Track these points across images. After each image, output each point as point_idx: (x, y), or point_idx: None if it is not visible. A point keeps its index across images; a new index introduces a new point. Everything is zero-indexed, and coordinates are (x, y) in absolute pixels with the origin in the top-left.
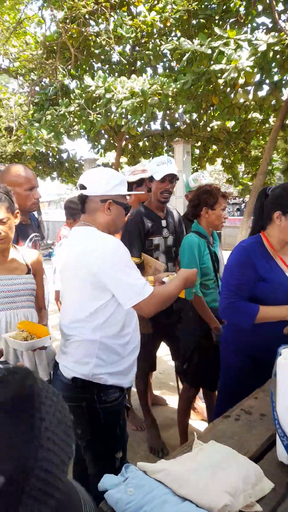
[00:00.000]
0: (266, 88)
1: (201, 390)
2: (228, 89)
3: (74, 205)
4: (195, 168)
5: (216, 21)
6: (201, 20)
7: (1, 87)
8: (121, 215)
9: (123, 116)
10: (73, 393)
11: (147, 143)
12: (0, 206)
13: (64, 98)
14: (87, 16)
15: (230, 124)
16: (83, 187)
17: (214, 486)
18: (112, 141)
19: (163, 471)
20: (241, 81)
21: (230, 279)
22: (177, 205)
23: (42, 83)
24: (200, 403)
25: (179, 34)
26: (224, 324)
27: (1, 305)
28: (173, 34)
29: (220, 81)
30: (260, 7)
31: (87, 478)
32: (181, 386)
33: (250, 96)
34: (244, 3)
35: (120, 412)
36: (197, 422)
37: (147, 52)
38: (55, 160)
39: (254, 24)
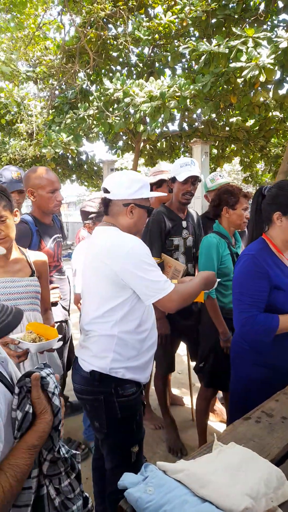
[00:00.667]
0: (286, 86)
1: (220, 392)
2: (248, 88)
3: (89, 209)
4: (212, 168)
5: (235, 20)
6: (220, 20)
7: (26, 93)
8: (143, 217)
9: (142, 119)
10: (91, 387)
11: (164, 144)
12: None
13: (83, 102)
14: (105, 20)
15: (250, 122)
16: (106, 191)
17: (235, 488)
18: (129, 143)
19: (183, 471)
20: (261, 78)
21: (244, 291)
22: (195, 205)
23: (62, 87)
24: (219, 405)
25: (197, 34)
26: (236, 333)
27: None
28: (191, 34)
29: (239, 80)
30: (280, 4)
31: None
32: (198, 384)
33: (270, 95)
34: (264, 1)
35: (137, 407)
36: (217, 423)
37: (165, 53)
38: (74, 163)
39: (275, 22)
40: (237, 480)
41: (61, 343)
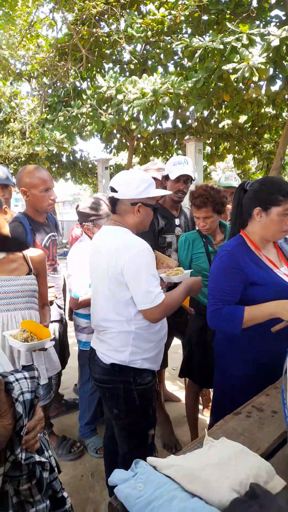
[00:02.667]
0: (279, 82)
1: None
2: (240, 85)
3: (86, 210)
4: (205, 166)
5: (228, 16)
6: (212, 16)
7: (16, 91)
8: (149, 215)
9: (134, 116)
10: (111, 377)
11: (158, 142)
12: None
13: (76, 100)
14: (97, 17)
15: (242, 118)
16: (114, 190)
17: (223, 483)
18: (124, 141)
19: (173, 466)
20: (254, 78)
21: (216, 286)
22: (189, 202)
23: (55, 85)
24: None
25: (190, 31)
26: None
27: None
28: (184, 31)
29: (233, 77)
30: (273, 0)
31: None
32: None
33: (263, 91)
34: None
35: (153, 394)
36: (209, 418)
37: (158, 50)
38: (69, 161)
39: (268, 18)
40: (226, 474)
41: (53, 343)
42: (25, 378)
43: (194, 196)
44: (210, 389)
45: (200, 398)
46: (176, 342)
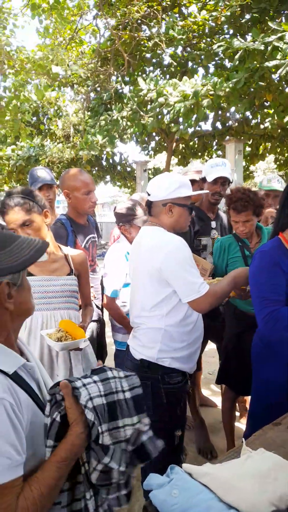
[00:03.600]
0: None
1: None
2: (283, 84)
3: (123, 210)
4: (245, 167)
5: (271, 14)
6: (255, 15)
7: (58, 94)
8: (183, 215)
9: (175, 118)
10: (140, 373)
11: (197, 143)
12: (19, 210)
13: (117, 103)
14: (139, 21)
15: (285, 119)
16: (148, 194)
17: (262, 497)
18: (162, 143)
19: (209, 475)
20: None
21: (261, 287)
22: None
23: (97, 89)
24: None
25: (231, 31)
26: (257, 335)
27: (37, 305)
28: (225, 32)
29: (274, 76)
30: None
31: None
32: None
33: None
34: None
35: (182, 395)
36: (245, 426)
37: (198, 52)
38: (108, 164)
39: None
40: (265, 488)
41: (87, 343)
42: (95, 382)
43: (233, 200)
44: (248, 397)
45: (237, 405)
46: (213, 346)
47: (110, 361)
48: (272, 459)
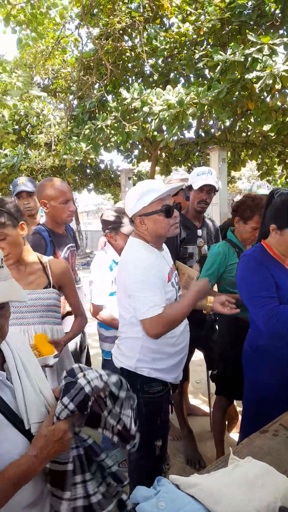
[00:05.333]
0: None
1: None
2: (265, 93)
3: (108, 218)
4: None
5: (251, 27)
6: (235, 27)
7: (44, 102)
8: (158, 221)
9: (160, 127)
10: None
11: (180, 152)
12: None
13: (101, 112)
14: (121, 31)
15: (267, 127)
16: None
17: (249, 505)
18: (145, 151)
19: (196, 486)
20: (277, 86)
21: (253, 287)
22: (213, 212)
23: (80, 97)
24: (240, 416)
25: (212, 42)
26: (248, 341)
27: (10, 320)
28: (206, 43)
29: (256, 85)
30: None
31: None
32: (213, 395)
33: None
34: (280, 6)
35: (162, 405)
36: (236, 435)
37: (180, 62)
38: (93, 172)
39: None
40: (252, 496)
41: (57, 359)
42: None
43: (259, 207)
44: (235, 404)
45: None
46: (200, 354)
47: None
48: (259, 466)
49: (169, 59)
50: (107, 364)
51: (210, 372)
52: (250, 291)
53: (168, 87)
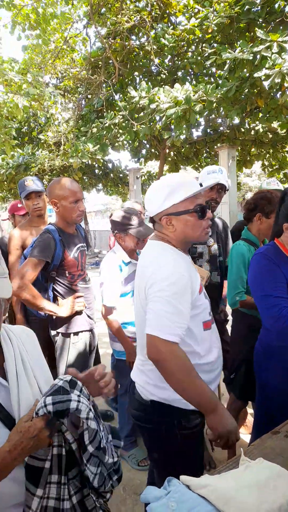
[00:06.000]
0: None
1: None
2: (274, 91)
3: (117, 218)
4: (239, 173)
5: (259, 24)
6: (244, 24)
7: (52, 102)
8: (189, 222)
9: (167, 125)
10: (151, 416)
11: (189, 150)
12: None
13: (109, 111)
14: (129, 30)
15: (276, 124)
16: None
17: (261, 507)
18: (153, 150)
19: (207, 486)
20: (286, 84)
21: (265, 288)
22: (222, 211)
23: (88, 97)
24: (250, 418)
25: (220, 40)
26: (260, 341)
27: None
28: (215, 39)
29: (266, 83)
30: None
31: None
32: (227, 395)
33: None
34: None
35: (199, 437)
36: (247, 436)
37: (188, 60)
38: (101, 172)
39: None
40: (264, 498)
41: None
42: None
43: (274, 201)
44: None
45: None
46: None
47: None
48: (271, 468)
49: (177, 57)
50: (120, 363)
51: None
52: (261, 290)
53: (176, 85)
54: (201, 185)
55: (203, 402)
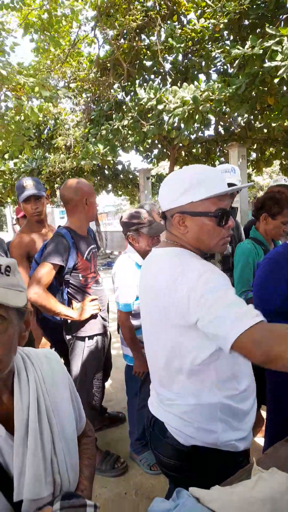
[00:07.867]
0: None
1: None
2: (285, 88)
3: (128, 219)
4: (251, 173)
5: (269, 19)
6: (253, 20)
7: (62, 109)
8: (204, 228)
9: (175, 125)
10: (191, 463)
11: (200, 150)
12: None
13: (118, 113)
14: (137, 30)
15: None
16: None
17: None
18: (165, 151)
19: (217, 500)
20: None
21: (266, 297)
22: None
23: (97, 99)
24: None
25: (231, 37)
26: None
27: None
28: (225, 38)
29: (275, 80)
30: None
31: None
32: None
33: None
34: None
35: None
36: (260, 439)
37: (198, 59)
38: (111, 173)
39: None
40: None
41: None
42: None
43: (282, 202)
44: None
45: None
46: None
47: (115, 373)
48: (285, 479)
49: (187, 56)
50: (130, 369)
51: None
52: (260, 299)
53: (185, 84)
54: (229, 185)
55: None
